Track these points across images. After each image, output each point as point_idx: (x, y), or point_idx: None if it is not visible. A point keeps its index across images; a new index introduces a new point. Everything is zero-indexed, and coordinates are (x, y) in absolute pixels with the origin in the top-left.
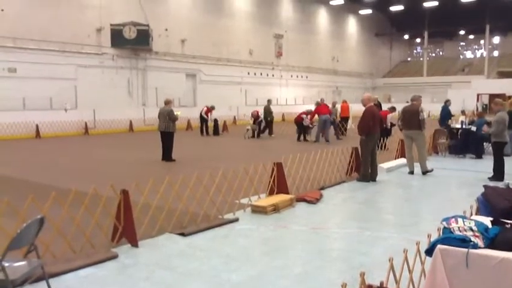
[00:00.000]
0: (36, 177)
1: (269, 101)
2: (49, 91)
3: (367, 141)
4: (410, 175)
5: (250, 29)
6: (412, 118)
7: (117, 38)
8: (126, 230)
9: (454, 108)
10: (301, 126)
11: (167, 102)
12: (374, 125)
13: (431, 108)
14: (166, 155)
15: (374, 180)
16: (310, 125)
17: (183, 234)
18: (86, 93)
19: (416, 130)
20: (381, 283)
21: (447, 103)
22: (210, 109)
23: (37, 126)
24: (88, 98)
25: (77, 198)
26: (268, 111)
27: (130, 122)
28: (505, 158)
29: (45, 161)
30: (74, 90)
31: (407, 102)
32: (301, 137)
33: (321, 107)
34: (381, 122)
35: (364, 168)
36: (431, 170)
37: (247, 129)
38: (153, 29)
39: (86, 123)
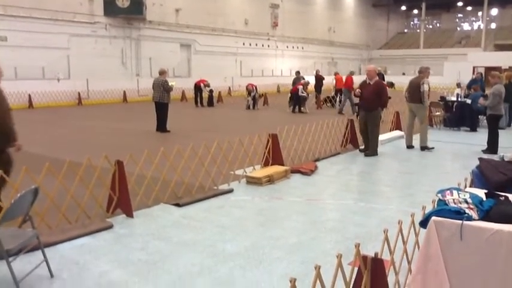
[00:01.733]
0: (29, 148)
1: (297, 73)
2: (41, 60)
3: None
4: (406, 148)
5: None
6: (415, 90)
7: (110, 6)
8: (121, 200)
9: (449, 81)
10: (297, 98)
11: (161, 73)
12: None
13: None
14: (161, 126)
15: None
16: (306, 96)
17: (178, 205)
18: (78, 63)
19: (417, 103)
20: (376, 254)
21: None
22: (204, 82)
23: (29, 96)
24: (81, 68)
25: (71, 169)
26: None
27: (124, 92)
28: (499, 131)
29: (38, 131)
30: (66, 59)
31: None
32: (296, 109)
33: (349, 78)
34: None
35: (376, 143)
36: (432, 148)
37: (248, 100)
38: None
39: (79, 94)
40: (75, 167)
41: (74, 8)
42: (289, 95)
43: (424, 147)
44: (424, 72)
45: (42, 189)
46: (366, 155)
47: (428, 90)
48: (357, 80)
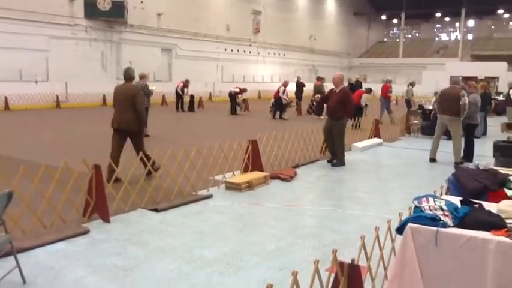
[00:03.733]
0: (5, 151)
1: (319, 79)
2: (19, 62)
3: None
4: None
5: (228, 4)
6: (453, 102)
7: (91, 9)
8: (98, 205)
9: (427, 90)
10: (279, 104)
11: (142, 77)
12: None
13: (404, 89)
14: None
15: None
16: (291, 104)
17: (156, 210)
18: (57, 66)
19: (453, 116)
20: (352, 260)
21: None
22: (185, 83)
23: (6, 98)
24: (60, 71)
25: (47, 173)
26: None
27: (104, 95)
28: (474, 139)
29: (15, 134)
30: (45, 61)
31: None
32: (277, 115)
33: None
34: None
35: (342, 153)
36: (462, 162)
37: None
38: (128, 0)
39: (57, 96)
40: (51, 171)
41: (53, 10)
42: (272, 101)
43: (458, 163)
44: (459, 83)
45: (16, 193)
46: (332, 165)
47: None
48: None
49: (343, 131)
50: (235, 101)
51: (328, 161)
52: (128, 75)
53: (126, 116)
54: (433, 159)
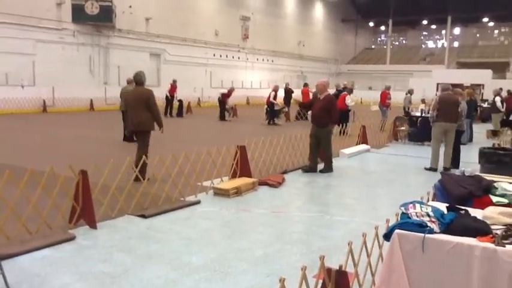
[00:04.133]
0: None
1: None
2: (5, 66)
3: (331, 132)
4: (365, 163)
5: (217, 9)
6: (451, 109)
7: (79, 13)
8: (85, 211)
9: (414, 97)
10: (272, 110)
11: (130, 82)
12: None
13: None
14: (128, 136)
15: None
16: (283, 110)
17: (143, 216)
18: (44, 70)
19: (453, 123)
20: (340, 266)
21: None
22: (173, 86)
23: None
24: (47, 75)
25: (33, 178)
26: None
27: (91, 100)
28: (461, 146)
29: (0, 138)
30: (31, 66)
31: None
32: (271, 121)
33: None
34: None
35: (330, 160)
36: (450, 168)
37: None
38: (116, 5)
39: (44, 101)
40: (37, 176)
41: (41, 14)
42: (266, 107)
43: (448, 169)
44: (451, 90)
45: (1, 198)
46: (321, 171)
47: None
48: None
49: (329, 137)
50: (224, 107)
51: (304, 170)
52: (139, 79)
53: (138, 117)
54: (434, 169)
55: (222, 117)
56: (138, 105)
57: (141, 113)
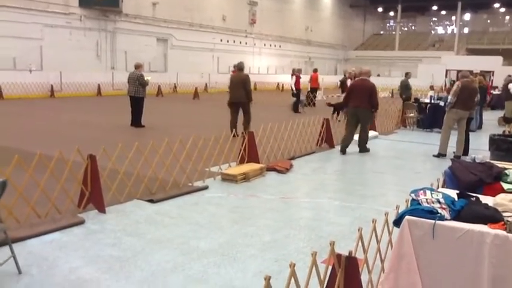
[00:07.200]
0: None
1: (407, 74)
2: (13, 50)
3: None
4: (373, 149)
5: None
6: (471, 97)
7: None
8: (93, 195)
9: (423, 83)
10: (298, 96)
11: (137, 67)
12: None
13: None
14: (136, 121)
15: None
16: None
17: (151, 201)
18: (52, 55)
19: (468, 111)
20: (350, 252)
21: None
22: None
23: (0, 87)
24: (54, 60)
25: (41, 163)
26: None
27: (99, 85)
28: (470, 133)
29: (9, 123)
30: (39, 50)
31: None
32: (300, 108)
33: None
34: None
35: (366, 141)
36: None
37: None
38: None
39: (51, 86)
40: (46, 160)
41: None
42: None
43: (458, 156)
44: (469, 77)
45: (10, 182)
46: (360, 151)
47: None
48: (332, 79)
49: (370, 121)
50: (299, 97)
51: (342, 151)
52: (241, 67)
53: (238, 93)
54: (443, 155)
55: (295, 110)
56: (238, 85)
57: (241, 90)
